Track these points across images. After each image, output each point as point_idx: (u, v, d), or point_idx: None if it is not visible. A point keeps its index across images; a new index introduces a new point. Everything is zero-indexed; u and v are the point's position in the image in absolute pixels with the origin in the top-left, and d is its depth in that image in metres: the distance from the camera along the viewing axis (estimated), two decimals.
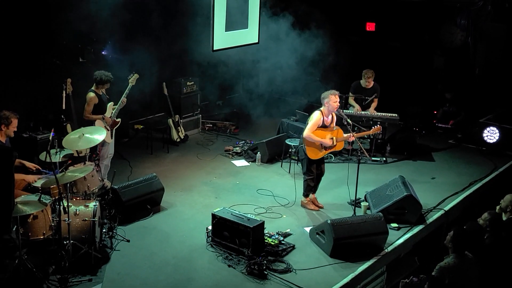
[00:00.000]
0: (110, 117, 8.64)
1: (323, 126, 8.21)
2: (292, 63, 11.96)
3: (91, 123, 8.44)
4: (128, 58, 10.56)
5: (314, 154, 8.23)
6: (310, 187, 8.48)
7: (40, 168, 7.67)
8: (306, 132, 8.13)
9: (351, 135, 8.24)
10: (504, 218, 7.08)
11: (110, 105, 8.68)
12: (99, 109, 8.56)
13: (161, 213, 8.31)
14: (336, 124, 8.42)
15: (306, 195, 8.54)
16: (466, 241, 6.01)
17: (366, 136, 11.05)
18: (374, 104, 10.92)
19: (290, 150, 10.16)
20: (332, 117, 8.33)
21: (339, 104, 8.22)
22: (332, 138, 8.23)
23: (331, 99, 8.09)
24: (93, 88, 8.55)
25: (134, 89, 9.52)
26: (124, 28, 10.44)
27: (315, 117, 8.15)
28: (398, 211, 8.07)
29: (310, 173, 8.36)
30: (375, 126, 8.61)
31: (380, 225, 7.41)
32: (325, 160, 8.75)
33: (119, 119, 8.80)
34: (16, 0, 9.05)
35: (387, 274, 7.68)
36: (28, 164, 7.61)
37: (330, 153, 9.69)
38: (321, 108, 8.20)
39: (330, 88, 8.44)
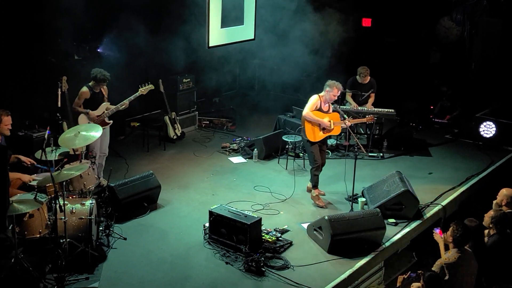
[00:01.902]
0: (99, 115, 8.58)
1: (320, 110, 8.26)
2: (288, 60, 11.94)
3: (77, 115, 8.51)
4: (123, 55, 10.54)
5: (312, 135, 8.25)
6: (317, 177, 8.49)
7: (35, 163, 7.63)
8: (305, 111, 8.23)
9: (347, 120, 8.33)
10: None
11: (104, 104, 8.62)
12: (90, 105, 8.55)
13: (158, 211, 8.29)
14: None
15: (314, 185, 8.55)
16: (466, 237, 6.00)
17: (362, 131, 11.09)
18: (371, 100, 10.91)
19: (287, 146, 10.15)
20: (329, 106, 8.43)
21: (336, 98, 8.29)
22: (329, 121, 8.30)
23: (334, 91, 8.19)
24: (90, 83, 8.53)
25: (131, 87, 9.48)
26: (119, 25, 10.40)
27: (313, 99, 8.29)
28: (395, 206, 8.07)
29: (316, 161, 8.37)
30: (369, 116, 8.81)
31: (377, 221, 7.41)
32: (325, 148, 8.72)
33: (110, 121, 8.70)
34: None
35: (385, 269, 7.69)
36: (24, 158, 7.55)
37: (327, 149, 9.68)
38: (320, 94, 8.26)
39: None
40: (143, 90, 8.88)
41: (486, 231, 6.82)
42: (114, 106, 8.65)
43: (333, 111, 8.47)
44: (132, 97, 8.73)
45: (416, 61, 13.29)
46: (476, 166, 10.13)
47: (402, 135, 11.03)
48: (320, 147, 8.45)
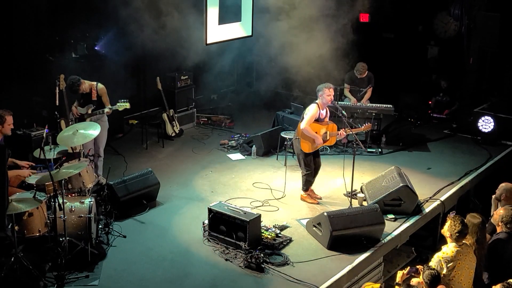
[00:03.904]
0: (81, 114, 8.55)
1: (318, 120, 8.21)
2: (286, 56, 11.90)
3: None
4: (121, 53, 10.52)
5: (307, 148, 8.23)
6: (310, 182, 8.47)
7: (34, 164, 7.64)
8: (304, 125, 8.10)
9: (342, 132, 8.25)
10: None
11: (88, 106, 8.58)
12: (81, 103, 8.60)
13: (157, 208, 8.30)
14: (330, 116, 8.45)
15: (305, 189, 8.53)
16: (464, 232, 6.00)
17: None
18: (367, 95, 10.92)
19: (285, 142, 10.13)
20: (326, 111, 8.35)
21: (332, 98, 8.20)
22: (326, 133, 8.24)
23: (325, 92, 8.09)
24: None
25: (129, 84, 9.50)
26: (117, 23, 10.38)
27: (312, 110, 8.13)
28: (394, 202, 8.08)
29: (308, 167, 8.35)
30: (366, 124, 8.66)
31: (376, 216, 7.41)
32: (321, 152, 8.76)
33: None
34: None
35: (384, 265, 7.70)
36: (21, 162, 7.58)
37: (326, 146, 9.69)
38: (317, 101, 8.19)
39: (324, 80, 8.43)
40: (119, 106, 8.62)
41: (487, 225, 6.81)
42: (94, 112, 8.58)
43: (331, 108, 8.44)
44: (108, 108, 8.55)
45: (414, 56, 13.28)
46: (475, 161, 10.13)
47: (401, 131, 11.04)
48: (314, 154, 8.42)
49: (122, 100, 8.69)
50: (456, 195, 9.01)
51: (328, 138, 8.29)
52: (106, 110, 8.54)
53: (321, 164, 8.59)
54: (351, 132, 8.28)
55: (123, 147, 10.49)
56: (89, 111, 8.56)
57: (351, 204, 8.20)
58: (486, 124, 11.10)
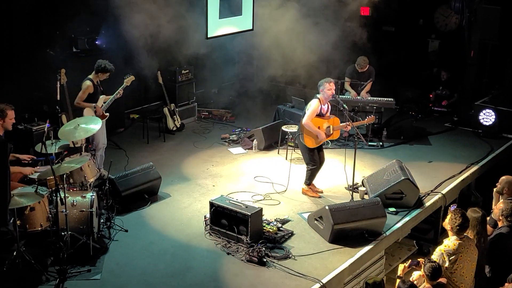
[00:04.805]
0: (104, 104, 8.57)
1: (320, 115, 8.21)
2: (287, 50, 11.89)
3: (80, 110, 8.47)
4: (121, 47, 10.51)
5: (311, 143, 8.22)
6: (314, 176, 8.47)
7: (35, 158, 7.64)
8: (306, 120, 8.10)
9: (347, 124, 8.24)
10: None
11: (102, 97, 8.61)
12: (92, 98, 8.51)
13: (159, 202, 8.30)
14: (331, 110, 8.45)
15: (308, 183, 8.53)
16: (465, 225, 6.01)
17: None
18: (366, 88, 10.90)
19: (286, 136, 10.15)
20: (328, 105, 8.35)
21: (333, 92, 8.20)
22: (328, 127, 8.24)
23: (326, 87, 8.10)
24: (91, 76, 8.49)
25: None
26: (117, 17, 10.36)
27: (314, 105, 8.13)
28: (395, 195, 8.08)
29: (314, 162, 8.35)
30: (369, 116, 8.68)
31: (378, 210, 7.42)
32: (323, 146, 8.75)
33: (107, 114, 8.68)
34: None
35: (385, 258, 7.71)
36: (22, 156, 7.58)
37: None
38: (319, 96, 8.19)
39: (324, 74, 8.41)
40: (127, 81, 8.85)
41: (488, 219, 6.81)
42: (109, 99, 8.63)
43: (332, 102, 8.44)
44: (120, 89, 8.69)
45: (414, 49, 13.25)
46: (476, 154, 10.14)
47: (402, 124, 11.03)
48: (318, 148, 8.42)
49: (125, 76, 8.86)
50: (457, 188, 9.02)
51: (331, 132, 8.29)
52: (119, 90, 8.64)
53: (324, 158, 8.58)
54: (353, 126, 8.28)
55: (124, 142, 10.49)
56: (104, 103, 8.59)
57: (352, 198, 8.20)
58: (487, 117, 11.09)
